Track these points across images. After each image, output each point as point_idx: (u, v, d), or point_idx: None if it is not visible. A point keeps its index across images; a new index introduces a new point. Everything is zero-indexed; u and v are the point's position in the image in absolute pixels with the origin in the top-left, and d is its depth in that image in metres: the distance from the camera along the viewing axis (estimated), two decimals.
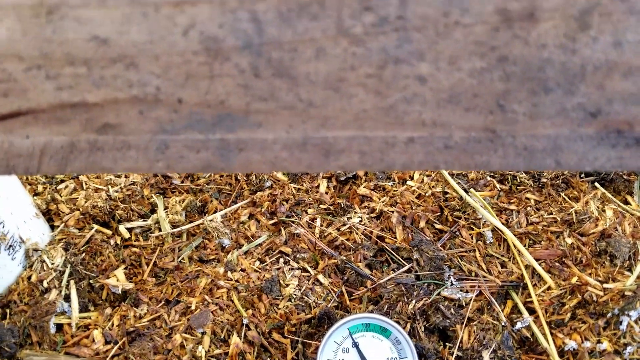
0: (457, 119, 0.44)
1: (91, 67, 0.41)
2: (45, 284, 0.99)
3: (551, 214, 1.13)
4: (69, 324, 0.98)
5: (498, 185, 1.24)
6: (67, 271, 1.01)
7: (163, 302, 1.06)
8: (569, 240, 1.08)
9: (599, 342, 0.92)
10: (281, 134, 0.47)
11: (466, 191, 1.21)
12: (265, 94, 0.43)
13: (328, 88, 0.42)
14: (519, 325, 0.99)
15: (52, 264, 1.01)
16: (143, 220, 1.22)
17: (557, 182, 1.20)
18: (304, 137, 0.54)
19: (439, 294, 1.06)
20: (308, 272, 1.13)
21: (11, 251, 0.96)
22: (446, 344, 1.00)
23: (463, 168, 0.55)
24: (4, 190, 0.96)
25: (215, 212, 1.30)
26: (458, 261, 1.11)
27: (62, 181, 1.24)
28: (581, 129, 0.43)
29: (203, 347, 0.95)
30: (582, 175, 1.23)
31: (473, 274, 1.09)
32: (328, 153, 0.55)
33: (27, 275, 0.99)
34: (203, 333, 0.98)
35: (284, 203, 1.34)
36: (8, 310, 0.96)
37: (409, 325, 0.99)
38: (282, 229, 1.27)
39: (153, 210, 1.27)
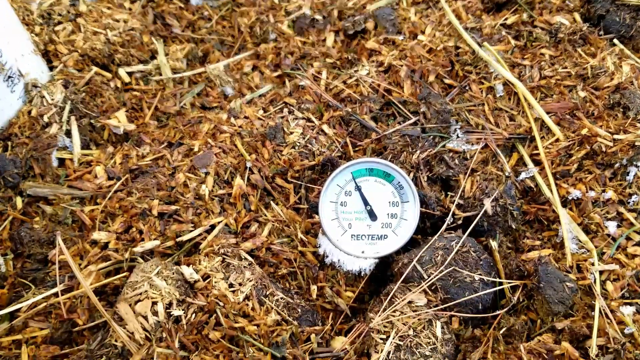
0: None
1: None
2: (45, 119, 0.97)
3: (566, 68, 1.09)
4: (71, 160, 0.98)
5: (513, 41, 1.18)
6: (67, 107, 0.99)
7: (166, 144, 1.05)
8: (582, 94, 1.04)
9: (603, 191, 0.92)
10: None
11: (479, 45, 1.16)
12: None
13: None
14: (523, 175, 0.98)
15: (52, 99, 0.99)
16: (143, 65, 1.19)
17: (575, 37, 1.14)
18: None
19: (444, 146, 1.05)
20: (312, 122, 1.11)
21: (10, 83, 0.93)
22: (448, 193, 1.00)
23: None
24: None
25: (217, 62, 1.26)
26: (465, 115, 1.09)
27: (59, 23, 1.19)
28: None
29: (207, 187, 0.95)
30: (601, 33, 1.18)
31: (480, 127, 1.07)
32: None
33: (27, 109, 0.97)
34: (206, 173, 0.98)
35: (289, 56, 1.30)
36: (9, 143, 0.95)
37: (412, 175, 0.99)
38: (287, 81, 1.24)
39: (153, 57, 1.23)
